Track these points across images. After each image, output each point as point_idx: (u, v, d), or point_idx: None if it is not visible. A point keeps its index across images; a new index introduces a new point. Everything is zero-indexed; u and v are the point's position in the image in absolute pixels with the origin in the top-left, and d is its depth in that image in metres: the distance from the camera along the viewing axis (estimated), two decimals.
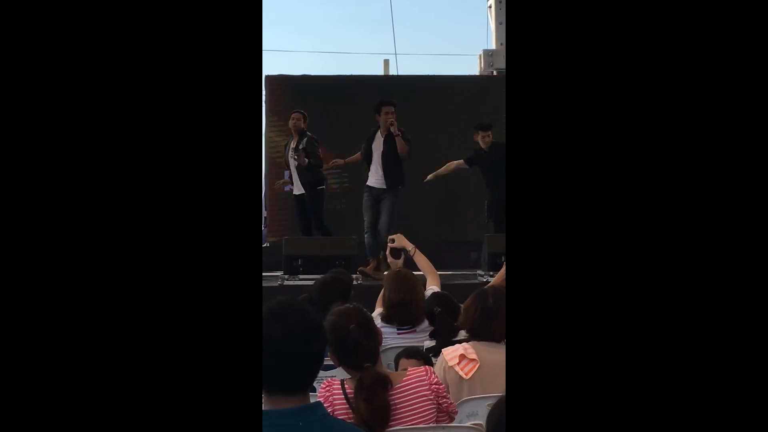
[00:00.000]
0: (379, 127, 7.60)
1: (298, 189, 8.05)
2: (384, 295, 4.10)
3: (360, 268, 7.39)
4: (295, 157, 7.80)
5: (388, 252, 4.58)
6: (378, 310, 4.10)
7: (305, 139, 7.88)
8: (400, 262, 4.48)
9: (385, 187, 7.61)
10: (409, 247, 4.52)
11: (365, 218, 7.79)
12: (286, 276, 7.55)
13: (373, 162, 7.63)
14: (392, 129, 7.42)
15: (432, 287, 4.30)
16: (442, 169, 8.34)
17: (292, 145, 7.93)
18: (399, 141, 7.43)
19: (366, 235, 7.75)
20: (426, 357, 3.47)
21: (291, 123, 8.03)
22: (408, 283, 4.09)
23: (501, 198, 7.86)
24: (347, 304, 2.90)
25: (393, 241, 4.58)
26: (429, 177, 8.33)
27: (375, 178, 7.65)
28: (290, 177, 8.15)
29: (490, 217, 8.24)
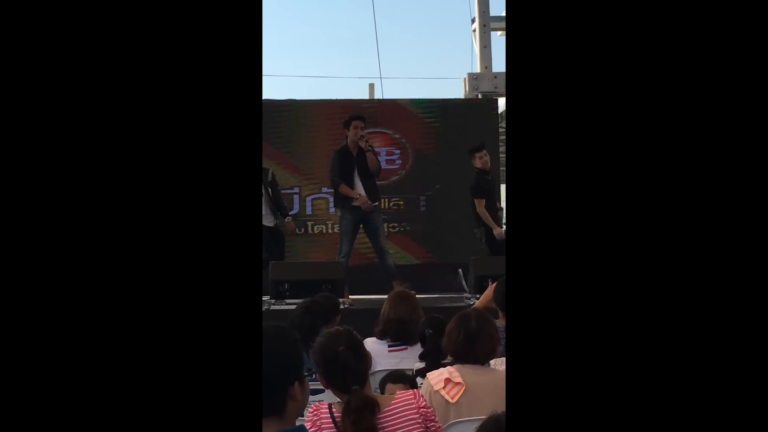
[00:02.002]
0: (346, 146, 7.43)
1: (269, 221, 7.90)
2: (383, 311, 4.11)
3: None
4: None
5: None
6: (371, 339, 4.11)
7: (270, 172, 7.92)
8: None
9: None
10: None
11: (344, 241, 7.55)
12: (273, 300, 7.55)
13: (355, 181, 7.38)
14: (362, 144, 7.29)
15: None
16: (488, 219, 7.88)
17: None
18: (369, 156, 7.32)
19: (342, 259, 7.51)
20: (412, 381, 3.47)
21: None
22: (410, 303, 4.12)
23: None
24: (337, 327, 2.92)
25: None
26: (496, 233, 7.82)
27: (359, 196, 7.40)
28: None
29: (488, 242, 7.94)
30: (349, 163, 7.41)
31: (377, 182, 7.69)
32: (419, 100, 10.14)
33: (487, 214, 7.87)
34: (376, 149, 7.74)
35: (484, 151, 7.90)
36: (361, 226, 7.63)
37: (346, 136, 7.49)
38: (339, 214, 7.81)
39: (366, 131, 7.64)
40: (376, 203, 7.56)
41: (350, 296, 7.42)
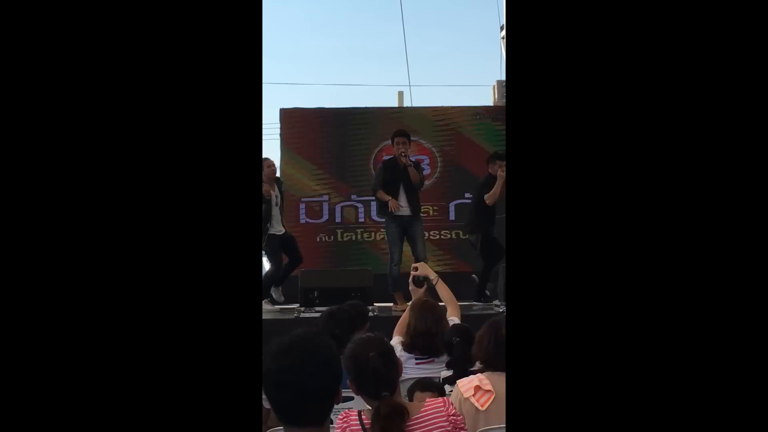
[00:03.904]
0: (395, 157, 7.70)
1: (280, 230, 7.94)
2: (409, 323, 4.10)
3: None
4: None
5: (410, 280, 4.53)
6: (397, 338, 4.11)
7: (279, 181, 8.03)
8: (422, 290, 4.44)
9: (411, 213, 7.68)
10: (432, 276, 4.50)
11: (394, 250, 7.73)
12: (303, 308, 7.59)
13: (400, 192, 7.66)
14: (403, 160, 7.54)
15: (453, 318, 4.29)
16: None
17: (275, 192, 7.81)
18: (411, 171, 7.56)
19: (395, 268, 7.69)
20: (441, 389, 3.47)
21: (269, 171, 7.81)
22: (435, 315, 4.10)
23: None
24: (368, 333, 2.92)
25: (416, 269, 4.56)
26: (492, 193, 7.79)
27: (402, 207, 7.65)
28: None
29: (481, 249, 7.92)
30: (396, 174, 7.65)
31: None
32: (446, 107, 10.15)
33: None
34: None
35: (503, 162, 7.76)
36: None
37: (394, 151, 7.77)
38: (384, 226, 8.03)
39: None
40: (420, 214, 7.83)
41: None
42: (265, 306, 7.75)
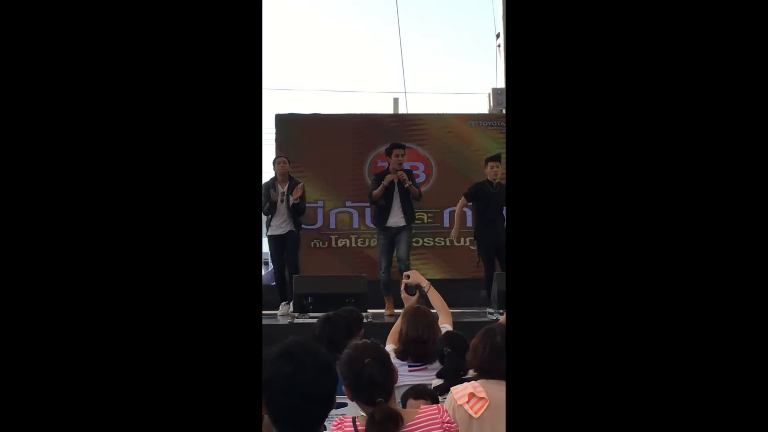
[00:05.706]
0: (388, 170, 7.83)
1: (284, 229, 8.04)
2: (401, 330, 4.10)
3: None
4: (291, 198, 7.94)
5: (402, 288, 4.54)
6: (390, 346, 4.11)
7: (299, 183, 8.07)
8: (415, 298, 4.44)
9: (404, 224, 7.86)
10: (424, 283, 4.52)
11: (382, 260, 7.96)
12: (296, 314, 7.59)
13: (393, 204, 7.81)
14: (400, 177, 7.69)
15: (445, 325, 4.29)
16: (456, 221, 8.27)
17: (282, 189, 7.96)
18: (411, 189, 7.75)
19: (383, 275, 7.92)
20: (434, 397, 3.47)
21: (279, 168, 8.04)
22: (427, 321, 4.09)
23: (496, 237, 7.84)
24: (364, 340, 2.93)
25: (408, 277, 4.57)
26: (453, 235, 8.38)
27: (395, 218, 7.85)
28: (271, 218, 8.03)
29: (481, 255, 8.11)
30: (390, 187, 7.79)
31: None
32: (442, 114, 10.17)
33: (461, 213, 8.27)
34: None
35: (497, 163, 7.96)
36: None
37: (388, 163, 7.94)
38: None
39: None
40: (412, 223, 8.02)
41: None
42: (282, 309, 8.00)
